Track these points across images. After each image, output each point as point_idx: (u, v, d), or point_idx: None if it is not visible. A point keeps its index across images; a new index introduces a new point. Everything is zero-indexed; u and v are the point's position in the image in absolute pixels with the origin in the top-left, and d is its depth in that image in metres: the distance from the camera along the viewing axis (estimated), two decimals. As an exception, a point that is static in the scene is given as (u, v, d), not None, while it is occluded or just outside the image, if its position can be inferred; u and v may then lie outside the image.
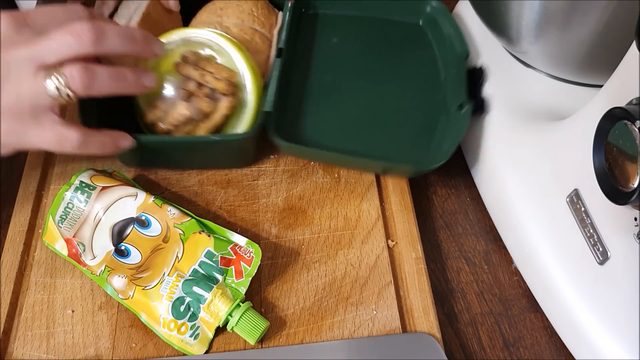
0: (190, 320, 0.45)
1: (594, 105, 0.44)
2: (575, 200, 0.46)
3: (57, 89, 0.43)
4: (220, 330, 0.46)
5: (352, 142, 0.55)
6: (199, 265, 0.47)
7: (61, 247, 0.49)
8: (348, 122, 0.57)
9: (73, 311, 0.48)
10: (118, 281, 0.46)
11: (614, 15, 0.44)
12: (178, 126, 0.52)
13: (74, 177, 0.50)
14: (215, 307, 0.45)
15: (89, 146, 0.47)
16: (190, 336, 0.45)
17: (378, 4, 0.65)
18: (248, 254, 0.48)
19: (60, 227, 0.49)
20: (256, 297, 0.48)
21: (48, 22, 0.45)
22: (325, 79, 0.60)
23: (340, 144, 0.55)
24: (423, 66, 0.62)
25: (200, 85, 0.51)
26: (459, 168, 0.60)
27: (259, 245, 0.48)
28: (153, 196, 0.50)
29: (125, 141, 0.50)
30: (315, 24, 0.65)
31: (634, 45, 0.39)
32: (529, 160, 0.52)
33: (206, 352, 0.45)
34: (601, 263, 0.44)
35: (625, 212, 0.41)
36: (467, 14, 0.65)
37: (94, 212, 0.49)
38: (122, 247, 0.47)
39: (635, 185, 0.35)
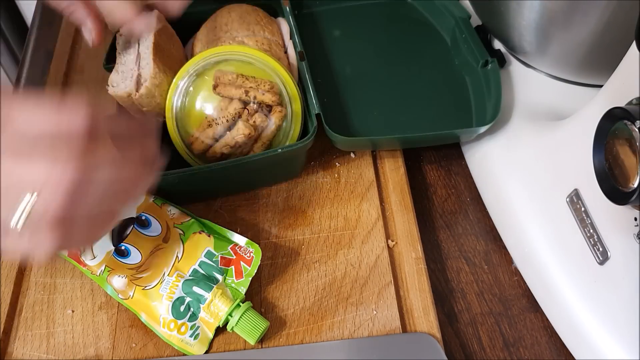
0: (190, 320, 0.45)
1: (594, 105, 0.44)
2: (575, 200, 0.46)
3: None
4: (220, 330, 0.46)
5: (397, 122, 0.58)
6: (199, 265, 0.47)
7: None
8: (385, 105, 0.59)
9: (73, 311, 0.48)
10: (118, 281, 0.46)
11: (614, 15, 0.44)
12: (235, 148, 0.50)
13: None
14: (215, 307, 0.45)
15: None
16: (190, 336, 0.45)
17: None
18: (248, 254, 0.48)
19: None
20: (256, 297, 0.48)
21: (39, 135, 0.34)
22: (346, 71, 0.61)
23: (389, 127, 0.57)
24: (426, 38, 0.65)
25: (244, 103, 0.50)
26: (459, 168, 0.60)
27: (259, 245, 0.48)
28: (153, 196, 0.50)
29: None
30: (312, 22, 0.66)
31: (634, 45, 0.39)
32: (529, 160, 0.52)
33: (206, 352, 0.45)
34: (601, 263, 0.44)
35: (625, 212, 0.41)
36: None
37: None
38: (122, 247, 0.47)
39: (635, 185, 0.35)
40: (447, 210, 0.57)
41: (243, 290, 0.46)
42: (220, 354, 0.46)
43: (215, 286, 0.45)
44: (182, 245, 0.48)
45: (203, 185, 0.53)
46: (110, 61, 0.56)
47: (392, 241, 0.52)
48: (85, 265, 0.48)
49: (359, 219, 0.53)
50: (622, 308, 0.42)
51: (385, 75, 0.61)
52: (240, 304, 0.45)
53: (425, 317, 0.47)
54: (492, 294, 0.52)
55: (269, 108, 0.51)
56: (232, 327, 0.45)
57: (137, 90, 0.50)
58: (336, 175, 0.56)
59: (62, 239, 0.34)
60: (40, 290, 0.49)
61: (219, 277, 0.46)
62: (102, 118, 0.35)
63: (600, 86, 0.44)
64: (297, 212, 0.53)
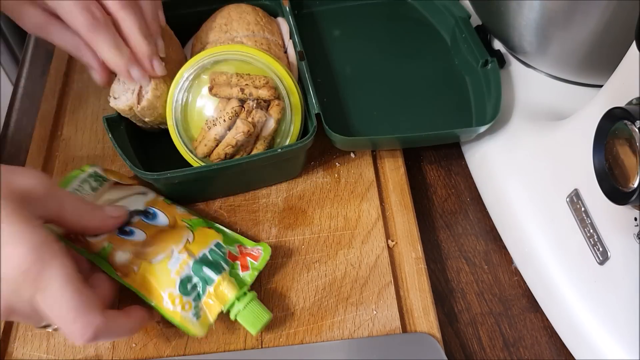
0: (195, 300, 0.45)
1: (594, 105, 0.44)
2: (575, 200, 0.46)
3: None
4: (220, 329, 0.46)
5: (397, 122, 0.58)
6: (209, 252, 0.46)
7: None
8: (385, 105, 0.59)
9: (73, 311, 0.48)
10: (121, 256, 0.45)
11: (614, 15, 0.44)
12: (237, 147, 0.50)
13: (87, 166, 0.49)
14: (223, 291, 0.45)
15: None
16: (194, 315, 0.44)
17: None
18: (256, 251, 0.48)
19: None
20: (256, 297, 0.48)
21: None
22: (346, 71, 0.61)
23: (389, 127, 0.57)
24: (426, 38, 0.65)
25: (242, 101, 0.50)
26: (459, 168, 0.60)
27: (259, 245, 0.49)
28: (163, 197, 0.50)
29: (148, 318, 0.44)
30: (312, 22, 0.66)
31: (634, 45, 0.39)
32: (529, 160, 0.52)
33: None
34: (601, 263, 0.44)
35: (625, 212, 0.41)
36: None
37: (101, 201, 0.49)
38: (127, 229, 0.47)
39: (635, 185, 0.35)
40: (447, 210, 0.57)
41: (249, 281, 0.46)
42: (220, 354, 0.46)
43: (224, 271, 0.45)
44: (192, 233, 0.47)
45: (203, 185, 0.53)
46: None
47: (392, 241, 0.52)
48: (83, 243, 0.46)
49: (359, 219, 0.53)
50: (622, 308, 0.42)
51: (385, 75, 0.61)
52: (247, 292, 0.45)
53: (425, 317, 0.47)
54: (492, 294, 0.52)
55: (267, 103, 0.51)
56: (236, 314, 0.45)
57: (138, 103, 0.50)
58: (336, 175, 0.56)
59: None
60: (40, 290, 0.49)
61: (226, 267, 0.46)
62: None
63: (600, 86, 0.44)
64: (297, 212, 0.53)
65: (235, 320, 0.45)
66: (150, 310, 0.45)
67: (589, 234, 0.44)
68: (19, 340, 0.46)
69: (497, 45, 0.61)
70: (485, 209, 0.56)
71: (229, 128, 0.50)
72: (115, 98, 0.51)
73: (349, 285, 0.49)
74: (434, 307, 0.48)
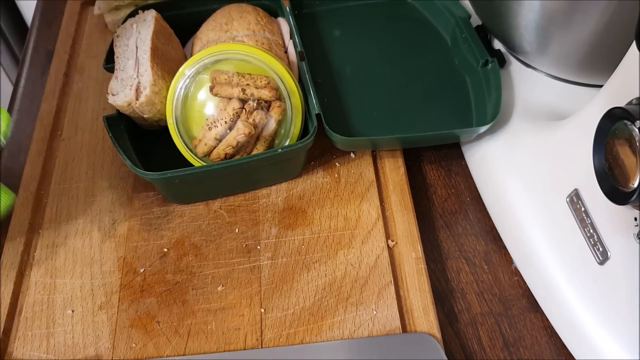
0: None
1: (594, 105, 0.44)
2: (575, 200, 0.46)
3: None
4: (220, 329, 0.46)
5: (397, 122, 0.58)
6: None
7: None
8: (385, 105, 0.59)
9: (73, 311, 0.48)
10: None
11: (614, 15, 0.44)
12: (238, 147, 0.50)
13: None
14: None
15: None
16: None
17: None
18: None
19: None
20: (256, 297, 0.48)
21: None
22: (346, 71, 0.61)
23: (389, 127, 0.57)
24: (426, 38, 0.65)
25: (243, 101, 0.50)
26: (459, 168, 0.60)
27: (259, 245, 0.48)
28: None
29: None
30: (312, 22, 0.66)
31: (634, 45, 0.39)
32: (529, 160, 0.52)
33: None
34: (601, 263, 0.44)
35: (625, 212, 0.41)
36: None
37: None
38: None
39: (635, 185, 0.35)
40: (447, 210, 0.57)
41: None
42: (220, 354, 0.46)
43: None
44: None
45: (203, 185, 0.53)
46: (110, 61, 0.56)
47: (392, 241, 0.52)
48: None
49: (359, 219, 0.53)
50: (622, 308, 0.42)
51: (385, 75, 0.61)
52: None
53: (425, 317, 0.47)
54: (492, 294, 0.52)
55: (268, 104, 0.51)
56: None
57: (136, 99, 0.50)
58: (336, 175, 0.56)
59: None
60: (40, 290, 0.49)
61: None
62: None
63: (600, 86, 0.44)
64: (297, 212, 0.53)
65: None
66: None
67: (589, 234, 0.44)
68: (19, 340, 0.46)
69: (497, 45, 0.61)
70: (485, 209, 0.56)
71: (230, 129, 0.50)
72: (113, 95, 0.51)
73: (349, 285, 0.49)
74: (434, 307, 0.48)
